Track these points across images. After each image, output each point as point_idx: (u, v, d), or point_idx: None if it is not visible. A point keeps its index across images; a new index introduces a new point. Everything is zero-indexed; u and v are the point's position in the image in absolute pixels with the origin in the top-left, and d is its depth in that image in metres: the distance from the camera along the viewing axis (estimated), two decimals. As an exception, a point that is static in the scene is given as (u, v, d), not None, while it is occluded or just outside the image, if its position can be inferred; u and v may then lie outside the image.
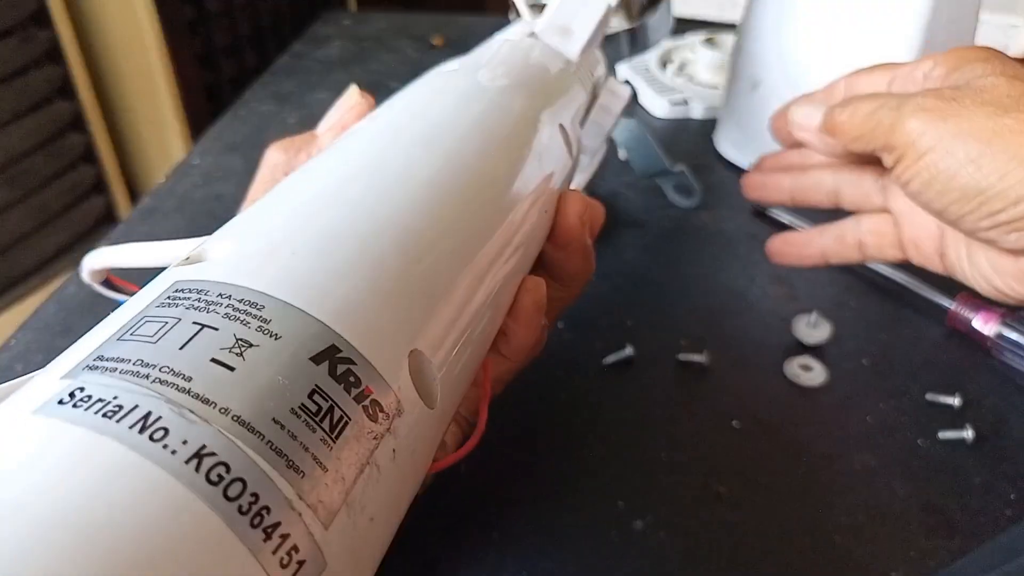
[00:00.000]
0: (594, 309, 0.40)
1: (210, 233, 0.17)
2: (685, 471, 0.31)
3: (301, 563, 0.12)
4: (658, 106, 0.58)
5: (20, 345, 0.38)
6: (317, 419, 0.13)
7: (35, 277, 1.01)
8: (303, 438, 0.13)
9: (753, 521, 0.29)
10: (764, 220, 0.47)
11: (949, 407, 0.34)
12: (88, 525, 0.10)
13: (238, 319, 0.14)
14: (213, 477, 0.11)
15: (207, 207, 0.49)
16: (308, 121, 0.59)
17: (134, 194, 1.15)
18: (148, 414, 0.12)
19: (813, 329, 0.37)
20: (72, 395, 0.12)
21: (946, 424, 0.33)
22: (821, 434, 0.33)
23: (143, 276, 0.18)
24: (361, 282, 0.15)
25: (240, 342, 0.13)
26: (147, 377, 0.12)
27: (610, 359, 0.36)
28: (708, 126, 0.56)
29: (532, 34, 0.31)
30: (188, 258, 0.16)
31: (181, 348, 0.13)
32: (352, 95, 0.28)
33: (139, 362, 0.13)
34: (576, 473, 0.31)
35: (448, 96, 0.23)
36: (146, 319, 0.14)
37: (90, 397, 0.12)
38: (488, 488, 0.30)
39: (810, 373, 0.35)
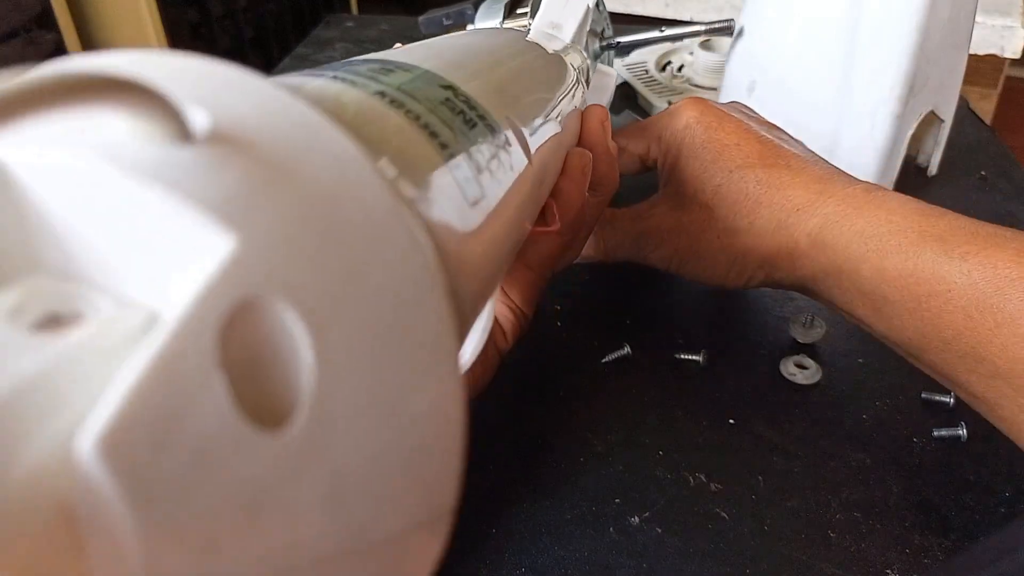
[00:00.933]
0: (592, 308, 0.40)
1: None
2: (682, 468, 0.31)
3: (469, 174, 0.18)
4: (656, 108, 0.58)
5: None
6: (453, 111, 0.19)
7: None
8: (445, 116, 0.19)
9: (749, 518, 0.29)
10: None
11: (944, 405, 0.34)
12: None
13: (388, 71, 0.19)
14: (394, 103, 0.18)
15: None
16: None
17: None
18: (335, 75, 0.18)
19: (808, 328, 0.37)
20: (334, 78, 0.18)
21: (941, 422, 0.33)
22: (816, 432, 0.33)
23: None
24: (469, 71, 0.22)
25: (384, 69, 0.19)
26: (357, 76, 0.18)
27: (608, 358, 0.36)
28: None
29: (525, 28, 0.37)
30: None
31: (356, 72, 0.19)
32: None
33: (351, 72, 0.19)
34: (574, 470, 0.31)
35: (511, 33, 0.32)
36: (367, 70, 0.19)
37: (336, 77, 0.18)
38: (485, 484, 0.31)
39: (805, 372, 0.35)
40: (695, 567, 0.28)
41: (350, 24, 0.78)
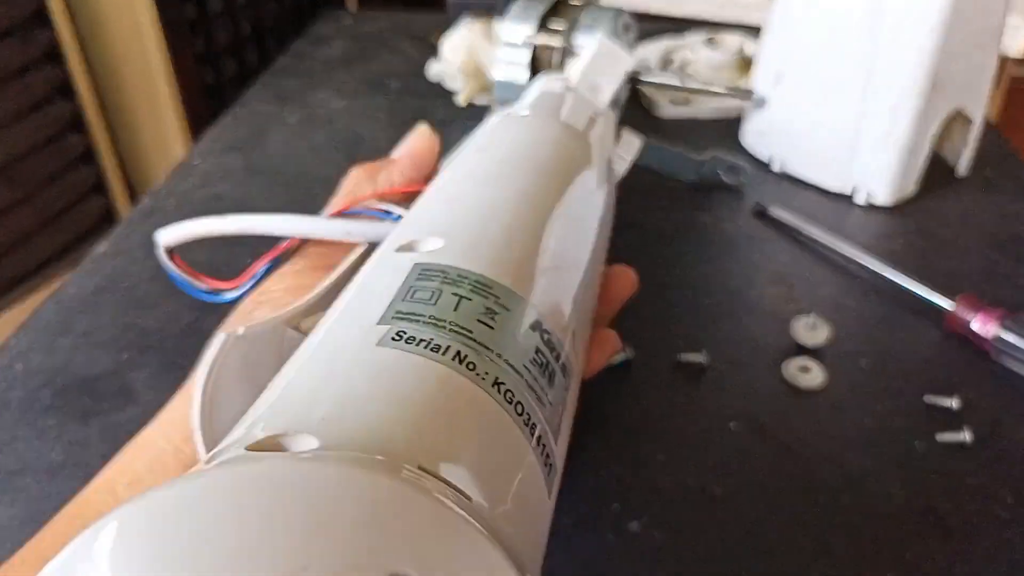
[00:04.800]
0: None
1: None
2: (682, 473, 0.31)
3: (551, 467, 0.17)
4: (659, 106, 0.58)
5: (21, 345, 0.38)
6: (543, 369, 0.18)
7: (35, 277, 1.01)
8: (539, 381, 0.18)
9: (749, 523, 0.29)
10: (764, 220, 0.47)
11: (947, 409, 0.34)
12: (429, 413, 0.15)
13: (480, 294, 0.18)
14: (507, 398, 0.16)
15: (207, 207, 0.49)
16: (309, 121, 0.59)
17: (134, 194, 1.16)
18: (459, 352, 0.16)
19: (812, 331, 0.37)
20: (400, 335, 0.16)
21: (944, 426, 0.33)
22: (818, 436, 0.33)
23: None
24: (538, 274, 0.21)
25: (488, 311, 0.18)
26: (444, 328, 0.17)
27: (608, 362, 0.36)
28: (720, 125, 0.56)
29: (567, 88, 0.35)
30: (404, 246, 0.21)
31: (455, 310, 0.18)
32: (424, 133, 0.33)
33: (432, 317, 0.17)
34: (573, 474, 0.31)
35: (542, 137, 0.28)
36: (415, 288, 0.18)
37: (414, 338, 0.16)
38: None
39: (808, 375, 0.35)
40: (694, 574, 0.27)
41: (348, 20, 0.77)
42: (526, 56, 0.50)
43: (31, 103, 0.95)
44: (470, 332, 0.17)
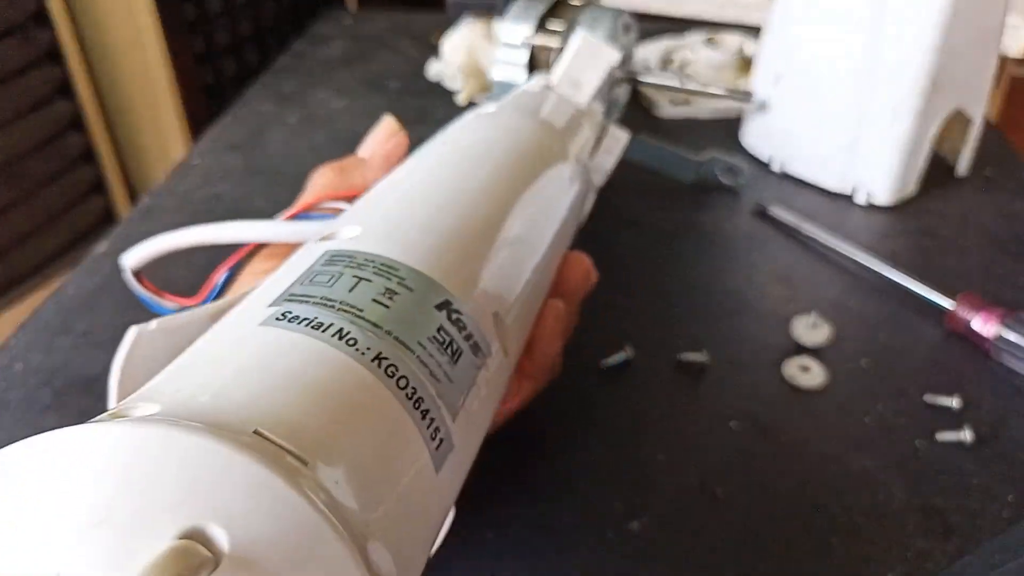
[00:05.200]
0: (592, 310, 0.40)
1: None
2: (682, 472, 0.31)
3: (441, 440, 0.17)
4: (658, 105, 0.58)
5: (20, 344, 0.38)
6: (443, 347, 0.19)
7: (35, 277, 1.01)
8: (436, 358, 0.18)
9: (750, 522, 0.29)
10: (764, 220, 0.47)
11: (948, 409, 0.34)
12: (307, 388, 0.15)
13: (383, 275, 0.19)
14: (389, 372, 0.17)
15: (207, 206, 0.49)
16: (309, 121, 0.59)
17: (134, 194, 1.16)
18: (342, 328, 0.17)
19: (812, 330, 0.37)
20: (284, 315, 0.17)
21: (944, 426, 0.33)
22: (819, 435, 0.33)
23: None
24: (459, 257, 0.21)
25: (388, 291, 0.18)
26: (333, 307, 0.17)
27: (608, 362, 0.36)
28: (720, 125, 0.56)
29: (547, 86, 0.36)
30: (326, 236, 0.21)
31: (350, 291, 0.18)
32: (389, 124, 0.32)
33: (324, 298, 0.18)
34: (573, 474, 0.31)
35: (500, 130, 0.29)
36: (317, 272, 0.19)
37: (298, 317, 0.17)
38: (485, 488, 0.30)
39: (808, 374, 0.35)
40: (695, 573, 0.27)
41: (348, 21, 0.77)
42: (524, 57, 0.50)
43: (31, 103, 0.95)
44: (360, 311, 0.17)
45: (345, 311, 0.17)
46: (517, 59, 0.50)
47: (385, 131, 0.32)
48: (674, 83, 0.53)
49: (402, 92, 0.63)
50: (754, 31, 0.62)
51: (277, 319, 0.17)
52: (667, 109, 0.58)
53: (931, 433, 0.33)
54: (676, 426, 0.33)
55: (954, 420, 0.33)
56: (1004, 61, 0.91)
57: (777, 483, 0.31)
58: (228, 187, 0.51)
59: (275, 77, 0.66)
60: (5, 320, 0.96)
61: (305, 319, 0.17)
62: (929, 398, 0.34)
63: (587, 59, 0.39)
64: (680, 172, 0.49)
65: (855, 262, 0.42)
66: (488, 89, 0.58)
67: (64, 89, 0.99)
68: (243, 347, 0.16)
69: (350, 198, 0.28)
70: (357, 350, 0.16)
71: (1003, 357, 0.36)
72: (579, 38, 0.40)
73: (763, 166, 0.52)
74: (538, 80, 0.37)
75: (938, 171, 0.51)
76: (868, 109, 0.46)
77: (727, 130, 0.56)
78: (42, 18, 0.94)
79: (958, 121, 0.49)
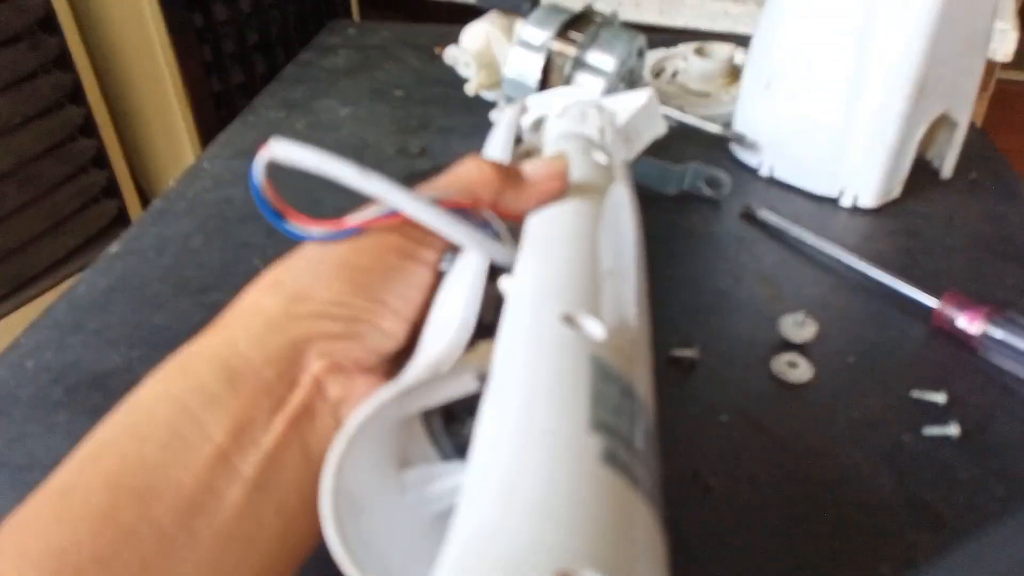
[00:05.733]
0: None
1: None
2: (674, 464, 0.32)
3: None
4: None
5: (31, 342, 0.39)
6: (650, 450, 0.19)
7: (46, 279, 1.02)
8: (650, 461, 0.18)
9: (741, 515, 0.30)
10: (751, 222, 0.47)
11: (934, 404, 0.34)
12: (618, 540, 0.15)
13: (628, 398, 0.19)
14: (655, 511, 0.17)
15: (217, 210, 0.50)
16: (316, 127, 0.60)
17: (145, 198, 1.17)
18: (639, 480, 0.17)
19: (799, 327, 0.38)
20: (612, 457, 0.16)
21: (931, 420, 0.33)
22: (808, 429, 0.33)
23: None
24: (647, 361, 0.22)
25: (645, 431, 0.19)
26: (638, 457, 0.17)
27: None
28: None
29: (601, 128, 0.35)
30: (566, 316, 0.20)
31: (645, 443, 0.18)
32: (562, 167, 0.29)
33: (628, 442, 0.17)
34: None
35: (630, 209, 0.29)
36: (604, 393, 0.18)
37: (624, 463, 0.17)
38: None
39: (796, 370, 0.36)
40: (685, 565, 0.28)
41: (352, 31, 0.79)
42: (540, 59, 0.51)
43: (41, 107, 0.96)
44: (651, 468, 0.18)
45: (634, 454, 0.17)
46: (532, 60, 0.51)
47: (556, 170, 0.29)
48: (673, 114, 0.52)
49: (405, 100, 0.64)
50: (744, 40, 0.63)
51: (608, 460, 0.16)
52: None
53: (918, 428, 0.33)
54: (668, 418, 0.34)
55: (941, 415, 0.34)
56: (991, 65, 0.91)
57: (767, 475, 0.31)
58: (238, 191, 0.52)
59: (283, 85, 0.67)
60: (16, 320, 0.97)
61: (626, 466, 0.16)
62: (916, 394, 0.35)
63: (644, 119, 0.39)
64: (663, 184, 0.49)
65: (841, 263, 0.43)
66: (497, 84, 0.57)
67: (74, 95, 1.00)
68: (594, 490, 0.16)
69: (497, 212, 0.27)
70: (655, 508, 0.17)
71: (990, 354, 0.36)
72: (646, 95, 0.39)
73: (751, 171, 0.53)
74: (593, 125, 0.35)
75: (923, 174, 0.51)
76: (855, 114, 0.47)
77: (716, 136, 0.56)
78: (50, 24, 0.95)
79: (943, 124, 0.50)
